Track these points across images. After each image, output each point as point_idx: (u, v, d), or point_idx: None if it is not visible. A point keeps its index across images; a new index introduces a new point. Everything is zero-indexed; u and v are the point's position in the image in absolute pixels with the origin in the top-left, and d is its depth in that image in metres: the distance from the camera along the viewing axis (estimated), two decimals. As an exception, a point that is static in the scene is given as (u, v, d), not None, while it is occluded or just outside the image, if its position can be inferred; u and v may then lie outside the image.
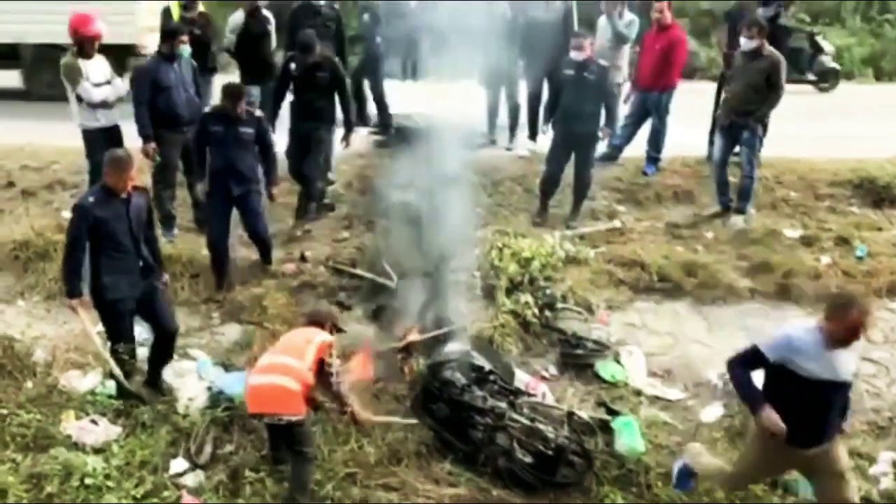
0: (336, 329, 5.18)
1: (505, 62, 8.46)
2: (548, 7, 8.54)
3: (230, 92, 6.37)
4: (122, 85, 6.96)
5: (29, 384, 5.76)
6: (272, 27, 8.53)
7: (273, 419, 4.67)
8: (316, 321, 5.09)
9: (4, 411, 5.41)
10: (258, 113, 6.60)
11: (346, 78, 7.40)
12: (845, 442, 5.58)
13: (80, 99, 6.76)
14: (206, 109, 6.52)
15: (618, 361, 6.22)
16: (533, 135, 9.02)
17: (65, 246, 5.28)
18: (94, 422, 5.35)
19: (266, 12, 8.49)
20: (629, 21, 8.73)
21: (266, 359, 4.85)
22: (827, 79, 14.12)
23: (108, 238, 5.11)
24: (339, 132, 7.68)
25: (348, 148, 7.76)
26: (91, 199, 5.12)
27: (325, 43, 7.63)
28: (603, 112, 7.50)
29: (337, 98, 7.40)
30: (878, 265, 7.09)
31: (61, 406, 5.52)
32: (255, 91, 8.22)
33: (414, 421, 5.42)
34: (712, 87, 8.94)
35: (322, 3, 7.88)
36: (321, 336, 4.87)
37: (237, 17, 8.39)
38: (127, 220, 5.14)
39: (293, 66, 7.19)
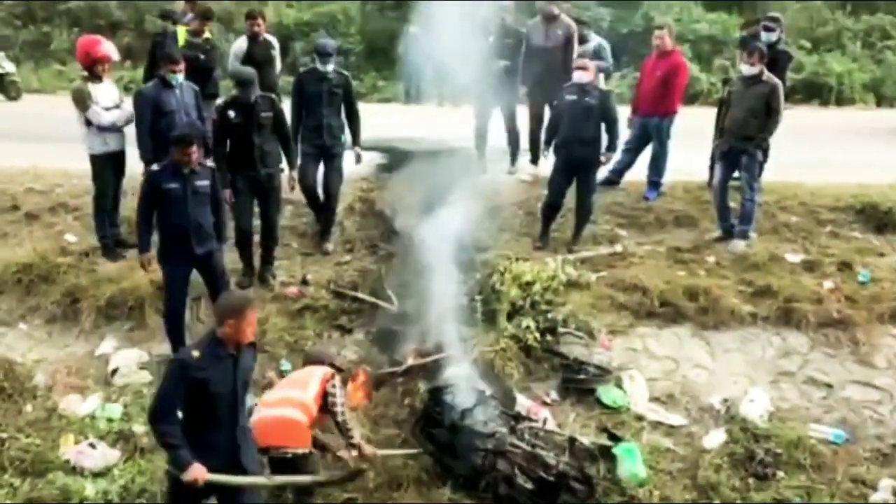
0: (335, 369, 5.12)
1: (499, 86, 8.40)
2: (549, 33, 8.59)
3: (179, 140, 5.69)
4: (130, 108, 7.00)
5: (29, 408, 5.77)
6: (276, 52, 8.60)
7: (279, 452, 4.62)
8: (314, 361, 5.12)
9: (4, 435, 5.42)
10: (209, 163, 6.07)
11: (285, 116, 6.92)
12: (848, 469, 5.57)
13: (88, 123, 6.81)
14: (154, 167, 5.87)
15: (619, 386, 6.19)
16: (535, 159, 9.04)
17: (151, 409, 4.02)
18: (92, 446, 5.34)
19: (269, 37, 8.56)
20: (596, 46, 8.79)
21: (270, 394, 4.88)
22: None
23: (206, 405, 4.02)
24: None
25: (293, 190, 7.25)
26: (196, 353, 4.00)
27: (332, 110, 7.34)
28: (604, 137, 7.52)
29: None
30: (881, 290, 7.06)
31: (60, 430, 5.52)
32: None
33: (417, 451, 5.40)
34: (713, 112, 8.97)
35: (329, 68, 7.28)
36: (324, 368, 4.91)
37: (240, 43, 8.48)
38: (233, 382, 4.08)
39: (232, 113, 6.57)
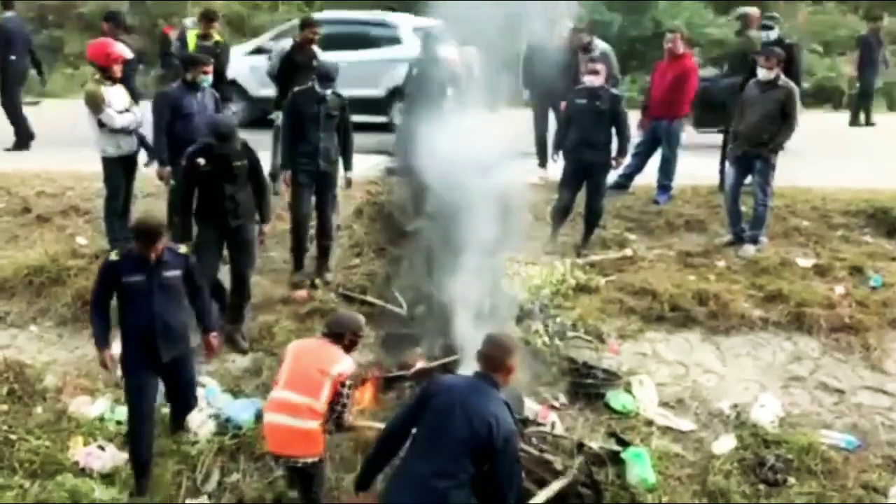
0: (357, 336, 4.88)
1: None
2: (553, 35, 8.57)
3: (144, 231, 4.88)
4: (140, 112, 7.05)
5: (38, 410, 5.79)
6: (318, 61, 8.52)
7: (292, 462, 4.59)
8: (335, 332, 4.78)
9: (13, 437, 5.44)
10: (182, 249, 5.20)
11: (261, 163, 6.45)
12: (859, 476, 5.52)
13: (101, 125, 6.86)
14: (113, 256, 5.03)
15: (629, 391, 6.15)
16: (543, 162, 9.03)
17: None
18: (101, 448, 5.36)
19: (316, 48, 8.53)
20: (601, 51, 8.72)
21: (282, 393, 4.60)
22: None
23: None
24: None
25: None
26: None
27: (329, 134, 6.92)
28: (615, 140, 7.51)
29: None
30: (893, 295, 7.00)
31: (70, 432, 5.53)
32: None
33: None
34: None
35: (328, 91, 6.84)
36: (338, 367, 4.62)
37: (284, 45, 8.50)
38: None
39: (202, 161, 5.96)
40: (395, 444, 4.15)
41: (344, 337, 4.74)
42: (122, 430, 5.55)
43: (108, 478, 5.14)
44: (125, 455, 5.27)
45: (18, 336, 6.60)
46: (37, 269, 6.99)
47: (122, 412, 5.73)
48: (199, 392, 5.79)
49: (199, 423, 5.51)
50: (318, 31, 8.49)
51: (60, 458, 5.30)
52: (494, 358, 3.99)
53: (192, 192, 6.10)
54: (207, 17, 8.50)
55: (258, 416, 5.66)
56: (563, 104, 8.27)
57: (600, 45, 8.87)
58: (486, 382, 3.95)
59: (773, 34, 8.26)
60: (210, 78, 6.96)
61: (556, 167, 8.00)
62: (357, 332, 4.85)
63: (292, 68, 8.24)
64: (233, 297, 6.46)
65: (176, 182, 6.66)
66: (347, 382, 4.68)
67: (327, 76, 6.86)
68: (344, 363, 4.65)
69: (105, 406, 5.81)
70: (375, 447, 4.29)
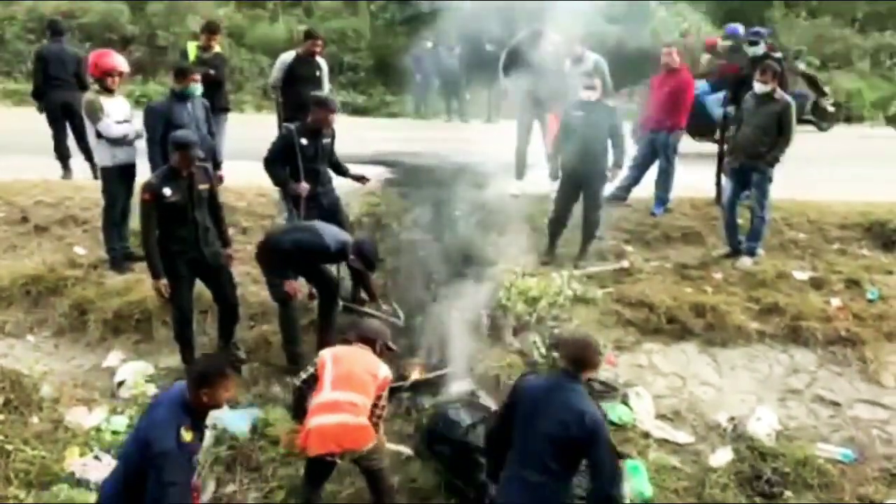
0: (387, 349, 5.10)
1: None
2: (540, 48, 8.58)
3: None
4: (140, 124, 7.06)
5: (35, 420, 5.77)
6: (322, 73, 8.50)
7: (354, 455, 4.69)
8: (366, 339, 4.98)
9: (9, 447, 5.41)
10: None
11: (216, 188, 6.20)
12: (855, 489, 5.52)
13: (99, 135, 6.87)
14: None
15: (626, 403, 6.16)
16: (520, 175, 9.05)
17: None
18: (97, 458, 5.34)
19: (320, 59, 8.50)
20: (594, 62, 8.73)
21: (336, 394, 4.67)
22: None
23: None
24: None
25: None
26: None
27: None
28: (611, 152, 7.53)
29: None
30: (889, 308, 7.02)
31: (66, 442, 5.52)
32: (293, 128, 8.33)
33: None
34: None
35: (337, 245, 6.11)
36: (384, 371, 4.84)
37: (285, 56, 8.49)
38: None
39: (168, 190, 5.66)
40: (498, 445, 4.32)
41: (376, 344, 4.98)
42: (118, 440, 5.54)
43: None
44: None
45: (15, 346, 6.57)
46: (34, 278, 6.97)
47: (119, 422, 5.74)
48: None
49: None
50: (320, 44, 8.49)
51: (56, 469, 5.29)
52: (580, 358, 4.24)
53: (154, 228, 5.77)
54: (210, 29, 8.52)
55: (254, 427, 5.67)
56: (549, 118, 8.32)
57: (591, 57, 8.90)
58: (567, 379, 4.21)
59: (759, 49, 8.31)
60: (199, 87, 6.96)
61: (536, 178, 7.96)
62: (387, 341, 5.10)
63: (295, 80, 8.27)
64: (224, 324, 6.36)
65: (141, 215, 5.89)
66: (386, 389, 4.85)
67: (369, 262, 6.16)
68: (385, 368, 4.88)
69: (102, 416, 5.80)
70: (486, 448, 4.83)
